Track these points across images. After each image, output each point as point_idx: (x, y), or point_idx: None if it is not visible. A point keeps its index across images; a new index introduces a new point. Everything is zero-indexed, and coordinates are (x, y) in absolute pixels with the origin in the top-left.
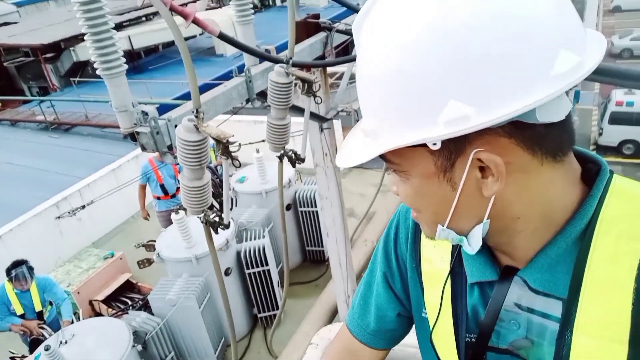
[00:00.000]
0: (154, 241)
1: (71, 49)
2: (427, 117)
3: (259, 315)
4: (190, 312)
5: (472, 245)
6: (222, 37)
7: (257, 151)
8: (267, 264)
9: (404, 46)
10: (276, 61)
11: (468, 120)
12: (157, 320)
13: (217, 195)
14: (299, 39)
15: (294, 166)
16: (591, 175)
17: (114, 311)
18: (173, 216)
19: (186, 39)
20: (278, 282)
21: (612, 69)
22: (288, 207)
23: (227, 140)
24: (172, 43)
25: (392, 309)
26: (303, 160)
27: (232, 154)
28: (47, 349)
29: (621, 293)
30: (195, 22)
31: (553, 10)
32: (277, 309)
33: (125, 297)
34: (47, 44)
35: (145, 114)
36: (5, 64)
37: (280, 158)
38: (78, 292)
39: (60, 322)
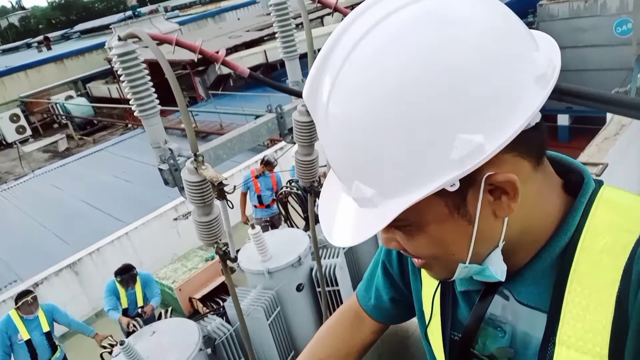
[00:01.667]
0: (238, 251)
1: (215, 63)
2: (437, 161)
3: None
4: (259, 323)
5: (497, 271)
6: (252, 76)
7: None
8: (336, 284)
9: (396, 93)
10: (302, 96)
11: (483, 151)
12: (228, 327)
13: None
14: None
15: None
16: (573, 186)
17: (207, 310)
18: (249, 230)
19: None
20: None
21: (572, 89)
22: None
23: (220, 183)
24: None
25: (386, 294)
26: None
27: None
28: (122, 343)
29: (602, 307)
30: (225, 64)
31: (510, 31)
32: None
33: (220, 298)
34: (197, 59)
35: (171, 151)
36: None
37: (310, 192)
38: (180, 289)
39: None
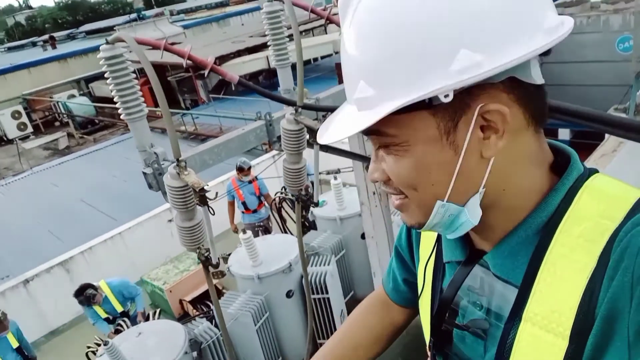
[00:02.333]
0: (230, 255)
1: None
2: (437, 68)
3: (318, 341)
4: (246, 328)
5: (473, 217)
6: (241, 83)
7: (335, 177)
8: (326, 292)
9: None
10: (291, 104)
11: (480, 67)
12: (215, 331)
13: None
14: None
15: (307, 211)
16: (561, 168)
17: (197, 312)
18: (240, 235)
19: (323, 57)
20: (342, 311)
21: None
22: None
23: (202, 189)
24: (308, 62)
25: (400, 275)
26: (315, 205)
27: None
28: (105, 344)
29: (572, 289)
30: (214, 70)
31: None
32: None
33: (210, 302)
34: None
35: (156, 155)
36: (169, 78)
37: (297, 200)
38: (170, 291)
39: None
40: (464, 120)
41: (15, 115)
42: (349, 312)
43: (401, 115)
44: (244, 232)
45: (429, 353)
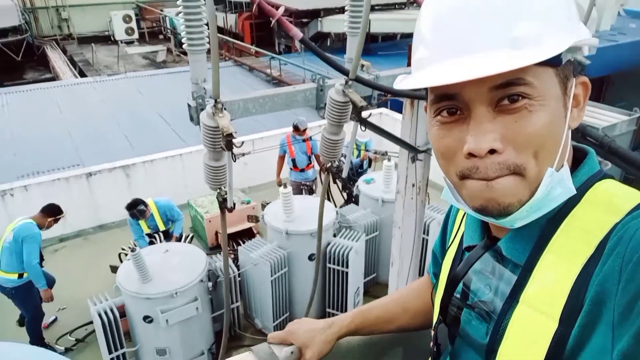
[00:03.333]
0: (269, 203)
1: (319, 19)
2: (578, 22)
3: (327, 310)
4: (263, 276)
5: (570, 186)
6: (303, 40)
7: (389, 159)
8: (346, 266)
9: None
10: (344, 74)
11: (588, 35)
12: (234, 269)
13: (345, 187)
14: None
15: (334, 180)
16: (576, 163)
17: (229, 248)
18: (281, 189)
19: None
20: (359, 288)
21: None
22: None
23: (230, 134)
24: (409, 35)
25: (441, 258)
26: (343, 180)
27: (234, 148)
28: (132, 250)
29: (567, 274)
30: (280, 22)
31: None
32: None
33: (242, 240)
34: (302, 10)
35: (204, 90)
36: (271, 18)
37: (327, 170)
38: (210, 221)
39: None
40: (569, 86)
41: (126, 19)
42: (365, 293)
43: (541, 67)
44: (285, 186)
45: (432, 333)
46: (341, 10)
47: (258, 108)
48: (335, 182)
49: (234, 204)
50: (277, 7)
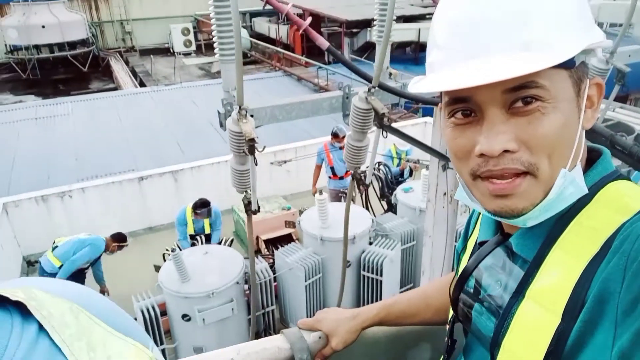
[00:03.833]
0: (305, 210)
1: (368, 29)
2: (592, 25)
3: None
4: (297, 281)
5: (582, 185)
6: (329, 50)
7: (427, 168)
8: (380, 275)
9: None
10: (368, 81)
11: (603, 38)
12: (270, 273)
13: (383, 195)
14: None
15: (358, 188)
16: (590, 163)
17: (267, 253)
18: (317, 196)
19: None
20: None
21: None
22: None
23: (252, 139)
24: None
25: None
26: (366, 186)
27: (256, 153)
28: (173, 251)
29: (572, 271)
30: (307, 32)
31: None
32: None
33: (282, 245)
34: (351, 20)
35: (234, 98)
36: (322, 29)
37: (353, 176)
38: None
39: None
40: (582, 87)
41: (185, 32)
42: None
43: (554, 69)
44: (321, 192)
45: (446, 327)
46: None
47: (285, 115)
48: (374, 190)
49: (259, 207)
50: (329, 19)
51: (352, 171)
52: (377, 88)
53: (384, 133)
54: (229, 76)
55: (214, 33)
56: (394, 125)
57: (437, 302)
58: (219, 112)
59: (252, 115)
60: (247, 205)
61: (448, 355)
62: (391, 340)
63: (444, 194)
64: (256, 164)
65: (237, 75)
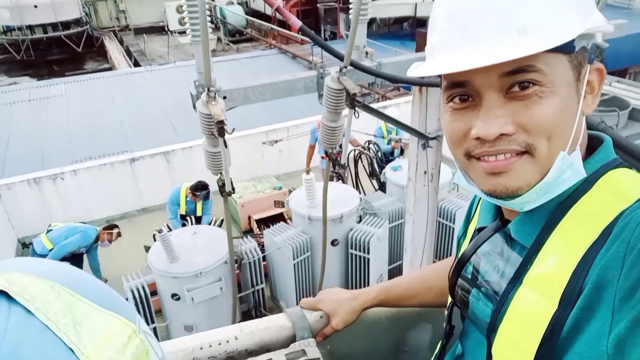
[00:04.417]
0: (294, 189)
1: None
2: (594, 10)
3: None
4: (285, 260)
5: (580, 169)
6: (302, 29)
7: None
8: (367, 252)
9: None
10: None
11: (605, 23)
12: (259, 253)
13: (373, 174)
14: None
15: (334, 168)
16: (592, 151)
17: (259, 232)
18: (303, 175)
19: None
20: (382, 275)
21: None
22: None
23: (221, 121)
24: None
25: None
26: (342, 167)
27: (226, 135)
28: (160, 231)
29: (570, 258)
30: (279, 11)
31: None
32: None
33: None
34: None
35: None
36: (318, 4)
37: (328, 156)
38: (242, 206)
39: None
40: (582, 72)
41: (179, 9)
42: (389, 279)
43: (552, 53)
44: (308, 172)
45: (445, 313)
46: None
47: (258, 96)
48: (364, 169)
49: (233, 188)
50: None
51: (329, 151)
52: (350, 67)
53: (356, 113)
54: (201, 57)
55: (184, 14)
56: (388, 102)
57: (438, 286)
58: (191, 94)
59: (224, 97)
60: (222, 187)
61: (447, 340)
62: (392, 321)
63: (425, 172)
64: (226, 146)
65: (204, 56)
